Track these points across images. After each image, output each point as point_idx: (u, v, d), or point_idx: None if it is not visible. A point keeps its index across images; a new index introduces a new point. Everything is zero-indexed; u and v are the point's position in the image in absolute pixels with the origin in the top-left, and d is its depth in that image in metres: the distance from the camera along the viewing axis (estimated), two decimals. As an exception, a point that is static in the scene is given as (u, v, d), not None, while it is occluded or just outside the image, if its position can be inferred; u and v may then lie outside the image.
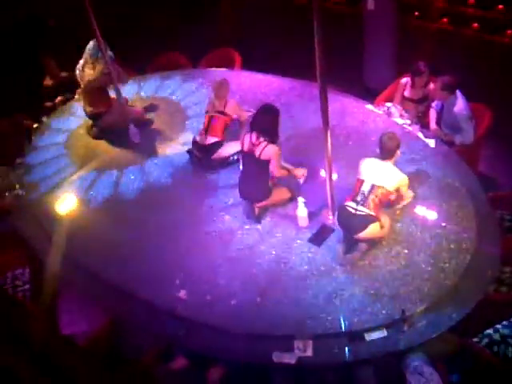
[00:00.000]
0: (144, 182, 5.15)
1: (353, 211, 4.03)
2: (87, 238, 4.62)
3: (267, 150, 4.33)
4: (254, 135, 4.38)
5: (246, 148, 4.44)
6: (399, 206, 4.36)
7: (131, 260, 4.38)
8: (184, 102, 6.15)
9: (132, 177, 5.21)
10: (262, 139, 4.35)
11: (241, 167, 4.66)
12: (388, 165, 4.11)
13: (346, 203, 4.10)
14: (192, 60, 7.16)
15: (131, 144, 5.63)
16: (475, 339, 4.05)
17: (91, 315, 4.71)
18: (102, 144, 5.73)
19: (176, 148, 5.49)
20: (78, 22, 5.56)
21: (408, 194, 4.36)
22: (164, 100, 6.26)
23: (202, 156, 5.14)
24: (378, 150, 4.17)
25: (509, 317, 4.12)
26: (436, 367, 3.49)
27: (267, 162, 4.37)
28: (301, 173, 4.70)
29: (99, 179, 5.24)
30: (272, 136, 4.38)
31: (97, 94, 5.65)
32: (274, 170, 4.41)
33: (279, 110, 4.45)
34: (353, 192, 4.12)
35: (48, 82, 7.22)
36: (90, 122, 5.83)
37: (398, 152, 4.16)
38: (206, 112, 5.17)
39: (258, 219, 4.49)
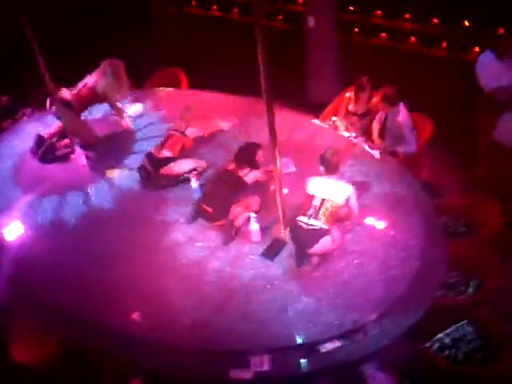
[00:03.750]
0: (92, 205, 5.07)
1: (304, 226, 4.08)
2: (36, 265, 4.50)
3: (253, 175, 4.63)
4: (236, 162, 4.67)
5: (230, 167, 4.66)
6: (349, 221, 4.40)
7: (81, 285, 4.27)
8: (133, 124, 6.09)
9: (80, 200, 5.12)
10: (245, 165, 4.62)
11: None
12: (333, 180, 4.18)
13: (297, 218, 4.14)
14: (136, 81, 7.11)
15: (78, 167, 5.54)
16: (427, 344, 4.15)
17: (44, 344, 4.57)
18: (49, 168, 5.62)
19: (123, 171, 5.43)
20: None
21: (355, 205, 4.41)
22: (111, 122, 6.19)
23: (152, 169, 5.12)
24: (321, 168, 4.23)
25: (458, 321, 4.25)
26: (389, 373, 3.53)
27: (247, 184, 4.61)
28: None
29: (47, 203, 5.13)
30: (254, 165, 4.66)
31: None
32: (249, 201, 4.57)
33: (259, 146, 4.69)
34: (304, 206, 4.17)
35: None
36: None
37: (341, 167, 4.26)
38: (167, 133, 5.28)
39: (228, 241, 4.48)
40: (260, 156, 4.67)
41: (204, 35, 8.83)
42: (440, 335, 4.18)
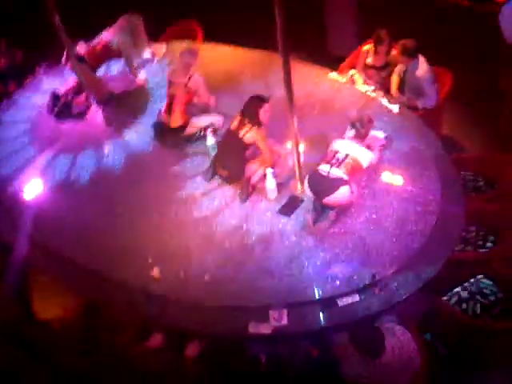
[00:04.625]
0: (108, 162, 5.09)
1: (325, 174, 4.07)
2: (56, 221, 4.58)
3: (251, 134, 4.40)
4: (240, 117, 4.46)
5: (232, 127, 4.50)
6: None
7: (102, 240, 4.36)
8: (148, 80, 6.02)
9: (96, 157, 5.14)
10: (246, 122, 4.41)
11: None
12: (359, 146, 4.16)
13: (318, 167, 4.13)
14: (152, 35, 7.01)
15: (94, 124, 5.54)
16: (445, 298, 4.18)
17: (65, 300, 4.68)
18: (66, 125, 5.62)
19: (140, 128, 5.41)
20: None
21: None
22: (127, 79, 6.13)
23: (167, 137, 5.10)
24: (350, 130, 4.20)
25: (476, 275, 4.26)
26: (407, 327, 3.57)
27: (248, 145, 4.44)
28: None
29: (64, 160, 5.16)
30: (255, 122, 4.41)
31: None
32: (264, 154, 4.47)
33: (267, 99, 4.44)
34: (326, 158, 4.15)
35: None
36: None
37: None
38: (169, 83, 5.06)
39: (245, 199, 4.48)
40: (265, 111, 4.42)
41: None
42: (458, 289, 4.20)
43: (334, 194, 4.05)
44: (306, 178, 4.21)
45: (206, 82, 5.07)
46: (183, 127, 5.03)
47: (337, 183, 4.04)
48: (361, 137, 4.23)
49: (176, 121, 5.00)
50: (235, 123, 4.49)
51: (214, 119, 5.10)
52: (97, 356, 3.74)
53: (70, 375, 3.53)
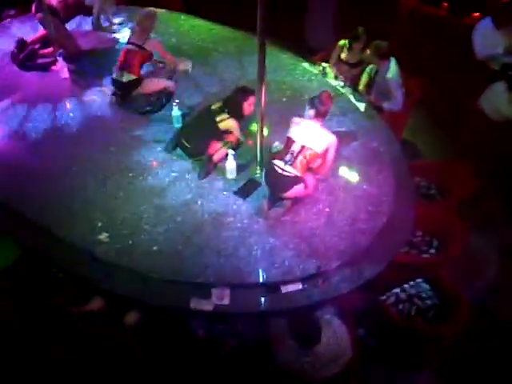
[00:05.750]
0: (69, 120, 4.98)
1: (280, 171, 4.09)
2: (4, 172, 4.47)
3: (227, 123, 4.44)
4: (221, 104, 4.48)
5: (212, 107, 4.50)
6: (319, 174, 4.35)
7: (52, 198, 4.27)
8: (116, 40, 5.91)
9: (57, 112, 5.03)
10: (226, 111, 4.43)
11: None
12: (318, 125, 4.14)
13: (274, 161, 4.15)
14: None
15: (58, 78, 5.40)
16: (383, 297, 4.30)
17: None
18: (29, 75, 5.46)
19: (105, 88, 5.31)
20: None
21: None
22: (96, 35, 6.00)
23: (122, 94, 5.06)
24: (309, 109, 4.18)
25: (416, 278, 4.40)
26: (344, 321, 3.67)
27: (220, 130, 4.47)
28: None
29: (20, 110, 5.02)
30: (235, 113, 4.46)
31: None
32: (234, 140, 4.53)
33: (254, 92, 4.33)
34: (283, 150, 4.17)
35: None
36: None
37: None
38: (126, 43, 5.09)
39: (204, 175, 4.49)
40: (249, 104, 4.45)
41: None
42: (397, 289, 4.33)
43: (289, 191, 4.10)
44: (263, 172, 4.25)
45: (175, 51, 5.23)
46: (135, 84, 5.01)
47: (291, 181, 4.08)
48: (320, 115, 4.14)
49: (127, 76, 4.99)
50: (216, 106, 4.49)
51: (168, 83, 5.15)
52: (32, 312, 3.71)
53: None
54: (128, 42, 5.05)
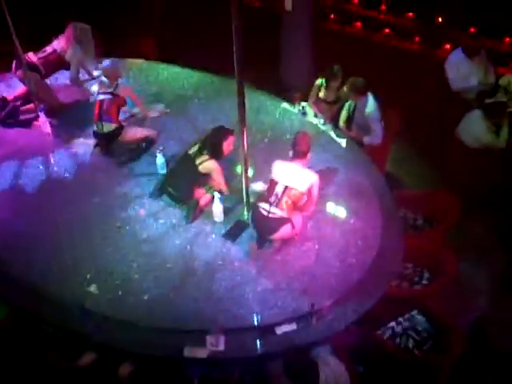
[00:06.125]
0: (52, 174, 4.99)
1: (265, 213, 4.10)
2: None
3: (207, 165, 4.43)
4: (200, 146, 4.50)
5: (190, 152, 4.51)
6: (306, 211, 4.36)
7: (39, 253, 4.23)
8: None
9: (40, 168, 5.03)
10: (205, 153, 4.44)
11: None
12: (299, 166, 4.17)
13: (259, 203, 4.16)
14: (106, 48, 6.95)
15: (40, 133, 5.42)
16: (379, 332, 4.27)
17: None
18: (12, 132, 5.48)
19: (85, 141, 5.33)
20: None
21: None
22: (76, 89, 6.05)
23: (104, 144, 5.10)
24: (290, 150, 4.24)
25: (410, 310, 4.38)
26: (341, 358, 3.62)
27: (201, 173, 4.47)
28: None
29: (6, 167, 5.02)
30: (214, 153, 4.46)
31: None
32: (216, 184, 4.52)
33: (232, 132, 4.47)
34: (267, 192, 4.19)
35: None
36: None
37: (309, 154, 4.24)
38: (97, 94, 5.14)
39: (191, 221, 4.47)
40: (228, 144, 4.49)
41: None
42: (392, 323, 4.30)
43: (276, 233, 4.11)
44: (250, 214, 4.27)
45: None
46: (116, 133, 5.05)
47: (278, 223, 4.09)
48: (299, 155, 4.17)
49: (107, 126, 5.02)
50: (194, 149, 4.52)
51: (150, 132, 5.21)
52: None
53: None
54: (98, 93, 5.11)
